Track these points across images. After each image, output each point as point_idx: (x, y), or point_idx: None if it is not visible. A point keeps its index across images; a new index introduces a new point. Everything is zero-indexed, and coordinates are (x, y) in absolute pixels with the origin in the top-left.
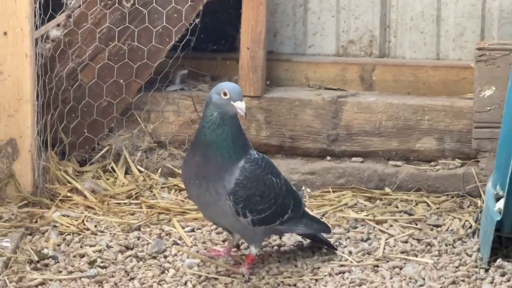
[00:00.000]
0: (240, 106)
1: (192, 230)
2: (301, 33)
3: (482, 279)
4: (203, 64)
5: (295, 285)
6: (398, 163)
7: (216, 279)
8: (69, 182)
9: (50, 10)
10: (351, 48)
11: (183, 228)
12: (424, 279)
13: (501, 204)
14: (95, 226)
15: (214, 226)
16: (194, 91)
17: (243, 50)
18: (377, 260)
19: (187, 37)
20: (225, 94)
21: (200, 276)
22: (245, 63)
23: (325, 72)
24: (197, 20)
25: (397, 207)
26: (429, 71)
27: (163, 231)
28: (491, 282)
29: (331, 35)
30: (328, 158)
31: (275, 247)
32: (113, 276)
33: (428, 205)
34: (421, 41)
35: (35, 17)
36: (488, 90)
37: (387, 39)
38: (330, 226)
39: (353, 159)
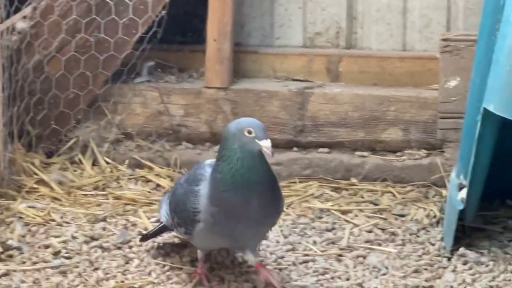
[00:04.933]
0: (267, 145)
1: (158, 221)
2: (268, 25)
3: (444, 268)
4: (170, 56)
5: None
6: (364, 153)
7: (180, 268)
8: (36, 174)
9: (16, 2)
10: (317, 39)
11: (148, 218)
12: (387, 268)
13: (464, 193)
14: (61, 217)
15: None
16: (161, 83)
17: (210, 42)
18: (341, 249)
19: (154, 29)
20: (249, 132)
21: (164, 266)
22: (212, 55)
23: (292, 64)
24: (163, 12)
25: (363, 197)
26: (395, 62)
27: (128, 221)
28: (453, 271)
29: (298, 27)
30: (295, 149)
31: None
32: (77, 267)
33: (394, 195)
34: (388, 33)
35: (0, 9)
36: (453, 80)
37: (354, 30)
38: None
39: (320, 150)
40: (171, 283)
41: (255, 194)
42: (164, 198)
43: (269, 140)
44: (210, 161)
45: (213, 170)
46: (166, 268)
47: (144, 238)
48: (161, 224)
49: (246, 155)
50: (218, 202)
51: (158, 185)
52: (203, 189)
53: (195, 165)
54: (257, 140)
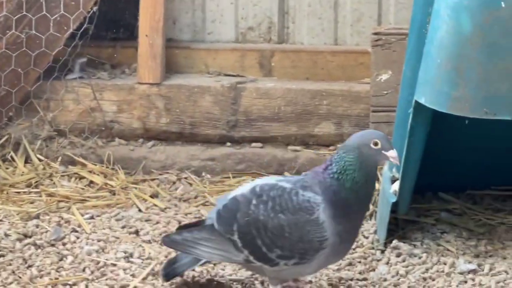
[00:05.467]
0: (394, 155)
1: (91, 218)
2: (200, 21)
3: (378, 260)
4: (102, 52)
5: (193, 269)
6: (297, 148)
7: (114, 265)
8: None
9: None
10: (250, 34)
11: (82, 215)
12: None
13: (396, 186)
14: None
15: (114, 213)
16: (94, 79)
17: (142, 38)
18: None
19: (86, 25)
20: (376, 144)
21: (98, 262)
22: (144, 51)
23: (225, 59)
24: (95, 8)
25: None
26: (327, 57)
27: (62, 218)
28: (387, 263)
29: (230, 22)
30: (228, 144)
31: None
32: (10, 264)
33: None
34: (319, 27)
35: None
36: (385, 74)
37: (286, 25)
38: None
39: (253, 144)
40: (106, 279)
41: (365, 207)
42: (195, 234)
43: (395, 150)
44: (276, 181)
45: (329, 190)
46: (100, 264)
47: (170, 275)
48: (189, 259)
49: (369, 168)
50: (344, 220)
51: (91, 182)
52: (322, 215)
53: (268, 189)
54: (384, 151)
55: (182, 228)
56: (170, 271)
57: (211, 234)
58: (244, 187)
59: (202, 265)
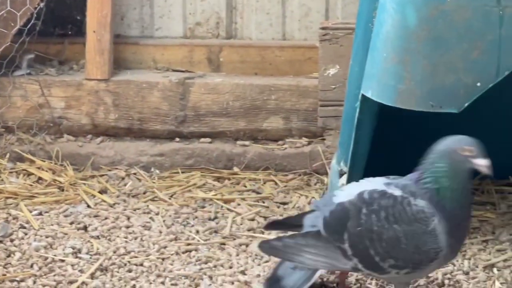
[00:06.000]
0: (485, 164)
1: (40, 214)
2: (148, 16)
3: None
4: (50, 49)
5: (141, 264)
6: (246, 142)
7: (62, 260)
8: None
9: None
10: (198, 30)
11: (30, 212)
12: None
13: (344, 179)
14: None
15: (62, 209)
16: (41, 75)
17: (89, 34)
18: (224, 238)
19: (33, 21)
20: (466, 150)
21: (46, 258)
22: (92, 47)
23: (173, 55)
24: (42, 4)
25: (245, 186)
26: (275, 52)
27: (10, 215)
28: None
29: (178, 17)
30: (177, 139)
31: (123, 228)
32: None
33: (276, 183)
34: (267, 22)
35: None
36: (333, 68)
37: (234, 20)
38: None
39: (202, 140)
40: (54, 275)
41: (469, 215)
42: (299, 241)
43: (488, 159)
44: (384, 184)
45: (433, 201)
46: (48, 260)
47: None
48: (298, 276)
49: (462, 176)
50: (454, 230)
51: (40, 178)
52: (438, 226)
53: (378, 197)
54: (474, 159)
55: (269, 227)
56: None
57: (317, 240)
58: (350, 191)
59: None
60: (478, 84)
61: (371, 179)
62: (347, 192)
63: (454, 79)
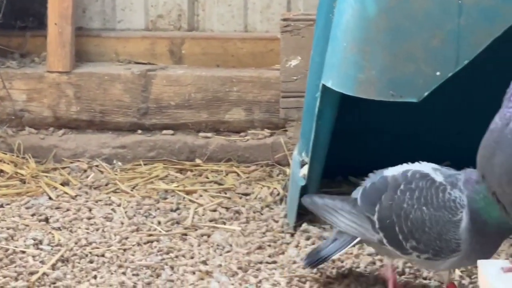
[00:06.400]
0: None
1: (1, 206)
2: (109, 9)
3: (287, 243)
4: (11, 41)
5: (103, 255)
6: (209, 134)
7: (23, 252)
8: None
9: None
10: (160, 22)
11: None
12: (231, 245)
13: (305, 170)
14: None
15: (24, 202)
16: (3, 68)
17: (51, 26)
18: (185, 228)
19: None
20: None
21: (7, 249)
22: (53, 39)
23: (135, 47)
24: None
25: (208, 178)
26: (237, 44)
27: None
28: (296, 246)
29: (140, 10)
30: (139, 131)
31: (84, 219)
32: None
33: (238, 174)
34: (229, 14)
35: None
36: (294, 60)
37: (196, 12)
38: None
39: (164, 132)
40: (15, 266)
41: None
42: (337, 203)
43: None
44: (430, 167)
45: (472, 204)
46: (9, 251)
47: (314, 261)
48: (335, 244)
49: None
50: (479, 236)
51: (1, 171)
52: (464, 219)
53: (419, 177)
54: None
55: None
56: (314, 258)
57: (353, 208)
58: (399, 169)
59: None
60: (438, 73)
61: (425, 163)
62: (396, 169)
63: (413, 69)
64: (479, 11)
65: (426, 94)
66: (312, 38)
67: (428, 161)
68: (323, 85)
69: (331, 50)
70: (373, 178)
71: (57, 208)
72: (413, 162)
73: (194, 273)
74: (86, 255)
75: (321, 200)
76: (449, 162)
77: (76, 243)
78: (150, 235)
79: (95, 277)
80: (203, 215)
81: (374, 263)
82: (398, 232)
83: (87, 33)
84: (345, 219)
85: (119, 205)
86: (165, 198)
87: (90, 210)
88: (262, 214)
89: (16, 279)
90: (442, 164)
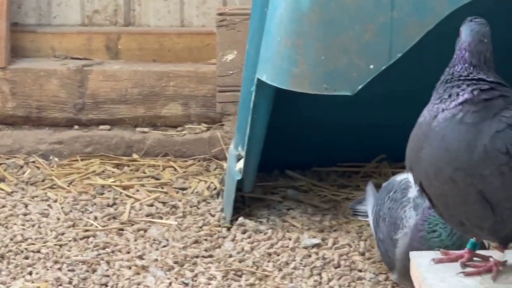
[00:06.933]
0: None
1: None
2: (45, 4)
3: (224, 237)
4: None
5: (39, 251)
6: (145, 129)
7: None
8: None
9: None
10: (96, 17)
11: None
12: (167, 240)
13: (241, 164)
14: None
15: None
16: None
17: None
18: (122, 223)
19: None
20: None
21: None
22: None
23: (71, 42)
24: None
25: (145, 173)
26: (173, 38)
27: None
28: (233, 240)
29: (76, 5)
30: (76, 127)
31: (20, 216)
32: None
33: (175, 169)
34: (165, 9)
35: None
36: (230, 54)
37: (132, 7)
38: None
39: (101, 127)
40: None
41: None
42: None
43: None
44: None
45: (418, 227)
46: None
47: None
48: None
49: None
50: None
51: None
52: (401, 241)
53: (402, 189)
54: None
55: None
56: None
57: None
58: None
59: None
60: (371, 66)
61: None
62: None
63: (347, 62)
64: (411, 5)
65: (360, 87)
66: (248, 32)
67: (364, 153)
68: (258, 79)
69: (266, 44)
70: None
71: None
72: (350, 156)
73: (130, 268)
74: (22, 251)
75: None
76: None
77: (11, 239)
78: (87, 230)
79: (30, 273)
80: (139, 210)
81: (309, 255)
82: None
83: (23, 29)
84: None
85: (55, 201)
86: (102, 194)
87: (26, 206)
88: (198, 209)
89: None
90: None
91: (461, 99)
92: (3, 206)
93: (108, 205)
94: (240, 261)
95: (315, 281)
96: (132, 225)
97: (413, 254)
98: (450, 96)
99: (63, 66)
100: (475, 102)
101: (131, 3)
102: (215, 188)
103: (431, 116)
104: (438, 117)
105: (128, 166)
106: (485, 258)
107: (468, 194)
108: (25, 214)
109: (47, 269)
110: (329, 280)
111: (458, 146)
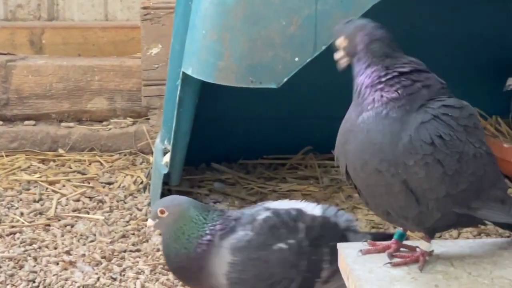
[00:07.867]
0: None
1: None
2: None
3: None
4: None
5: None
6: (71, 124)
7: None
8: None
9: None
10: (19, 12)
11: None
12: (95, 235)
13: (168, 157)
14: None
15: None
16: None
17: None
18: (48, 219)
19: None
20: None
21: None
22: None
23: None
24: None
25: (71, 168)
26: (98, 33)
27: None
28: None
29: None
30: (0, 122)
31: None
32: None
33: (101, 164)
34: (89, 3)
35: None
36: (155, 48)
37: (55, 2)
38: None
39: (26, 122)
40: None
41: None
42: None
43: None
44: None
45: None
46: None
47: None
48: None
49: None
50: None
51: None
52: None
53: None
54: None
55: None
56: None
57: None
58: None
59: None
60: (296, 59)
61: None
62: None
63: (272, 55)
64: None
65: (285, 79)
66: (172, 26)
67: (290, 145)
68: (183, 73)
69: (191, 37)
70: None
71: None
72: (276, 148)
73: (57, 263)
74: None
75: None
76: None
77: None
78: (13, 226)
79: None
80: (66, 205)
81: None
82: None
83: None
84: None
85: None
86: (28, 189)
87: None
88: (125, 203)
89: None
90: None
91: (385, 100)
92: None
93: (34, 201)
94: None
95: None
96: (59, 220)
97: (340, 245)
98: (373, 100)
99: None
100: (400, 99)
101: None
102: (141, 182)
103: (356, 115)
104: (363, 115)
105: (54, 161)
106: (412, 249)
107: (393, 184)
108: None
109: None
110: None
111: (383, 139)
